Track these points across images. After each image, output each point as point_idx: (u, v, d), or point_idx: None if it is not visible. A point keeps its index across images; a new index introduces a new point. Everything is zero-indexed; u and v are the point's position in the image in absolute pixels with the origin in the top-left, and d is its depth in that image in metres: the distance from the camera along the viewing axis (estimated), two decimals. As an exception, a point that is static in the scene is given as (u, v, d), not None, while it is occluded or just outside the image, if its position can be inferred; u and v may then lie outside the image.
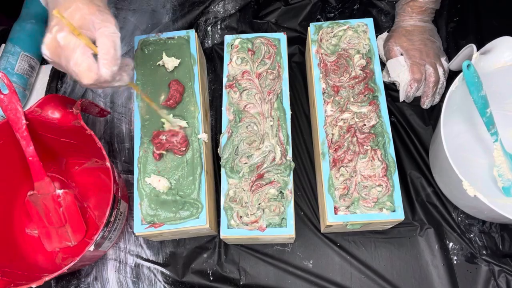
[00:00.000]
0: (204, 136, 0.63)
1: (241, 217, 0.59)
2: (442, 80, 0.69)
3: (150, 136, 0.63)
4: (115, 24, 0.48)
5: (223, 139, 0.63)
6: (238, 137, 0.63)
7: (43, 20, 0.77)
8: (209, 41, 0.81)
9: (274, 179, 0.61)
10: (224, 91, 0.66)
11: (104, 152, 0.59)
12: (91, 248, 0.57)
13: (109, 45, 0.46)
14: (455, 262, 0.64)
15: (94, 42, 0.47)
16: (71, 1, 0.47)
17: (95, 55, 0.46)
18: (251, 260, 0.66)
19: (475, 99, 0.59)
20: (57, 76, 0.80)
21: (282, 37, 0.69)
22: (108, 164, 0.59)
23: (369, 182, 0.59)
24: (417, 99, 0.72)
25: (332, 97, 0.64)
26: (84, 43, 0.46)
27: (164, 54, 0.67)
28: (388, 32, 0.76)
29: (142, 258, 0.68)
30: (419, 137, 0.71)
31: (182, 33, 0.69)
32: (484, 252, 0.64)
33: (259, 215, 0.59)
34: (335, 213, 0.58)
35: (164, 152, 0.62)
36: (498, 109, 0.67)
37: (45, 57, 0.48)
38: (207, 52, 0.80)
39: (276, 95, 0.65)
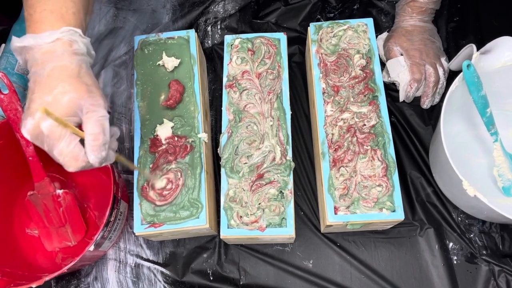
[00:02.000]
0: (204, 136, 0.63)
1: (241, 217, 0.59)
2: (442, 80, 0.69)
3: (149, 142, 0.63)
4: (104, 106, 0.44)
5: (223, 139, 0.63)
6: (238, 137, 0.63)
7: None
8: (209, 41, 0.81)
9: (274, 179, 0.60)
10: (224, 91, 0.66)
11: (104, 152, 0.59)
12: (91, 248, 0.57)
13: (97, 131, 0.43)
14: (455, 262, 0.64)
15: (80, 125, 0.43)
16: (56, 79, 0.42)
17: (81, 140, 0.43)
18: (251, 260, 0.66)
19: (475, 99, 0.59)
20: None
21: (282, 37, 0.69)
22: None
23: (369, 182, 0.59)
24: (417, 99, 0.72)
25: (332, 97, 0.64)
26: (71, 131, 0.42)
27: (164, 54, 0.67)
28: (388, 32, 0.76)
29: (142, 258, 0.68)
30: (419, 137, 0.71)
31: (182, 33, 0.69)
32: (484, 252, 0.64)
33: (259, 215, 0.59)
34: (335, 213, 0.58)
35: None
36: (498, 109, 0.67)
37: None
38: (207, 52, 0.80)
39: (276, 95, 0.65)
